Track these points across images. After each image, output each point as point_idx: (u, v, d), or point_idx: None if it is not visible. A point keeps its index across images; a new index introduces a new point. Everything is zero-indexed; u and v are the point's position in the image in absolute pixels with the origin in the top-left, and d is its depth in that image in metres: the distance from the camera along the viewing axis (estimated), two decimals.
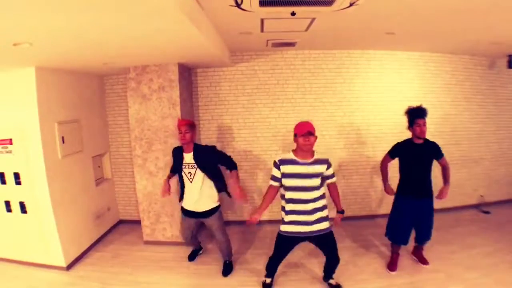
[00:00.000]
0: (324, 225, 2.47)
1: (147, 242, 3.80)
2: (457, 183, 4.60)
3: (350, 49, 4.15)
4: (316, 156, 2.41)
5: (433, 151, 2.89)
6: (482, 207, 4.57)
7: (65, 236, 3.24)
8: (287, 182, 2.40)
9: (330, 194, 2.59)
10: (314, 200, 2.40)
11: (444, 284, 2.79)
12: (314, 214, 2.41)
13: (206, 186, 2.87)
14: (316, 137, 2.36)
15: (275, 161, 2.43)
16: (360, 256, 3.30)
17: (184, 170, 2.87)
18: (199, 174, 2.83)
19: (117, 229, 4.34)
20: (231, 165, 2.94)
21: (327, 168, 2.45)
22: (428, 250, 3.39)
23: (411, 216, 2.89)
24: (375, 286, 2.83)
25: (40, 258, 3.25)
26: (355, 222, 4.32)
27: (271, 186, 2.46)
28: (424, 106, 2.86)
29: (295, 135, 2.38)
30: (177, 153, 2.94)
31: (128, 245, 3.82)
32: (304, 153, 2.37)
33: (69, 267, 3.27)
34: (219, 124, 4.26)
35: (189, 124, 2.82)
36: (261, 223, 4.31)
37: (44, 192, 3.06)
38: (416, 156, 2.83)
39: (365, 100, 4.28)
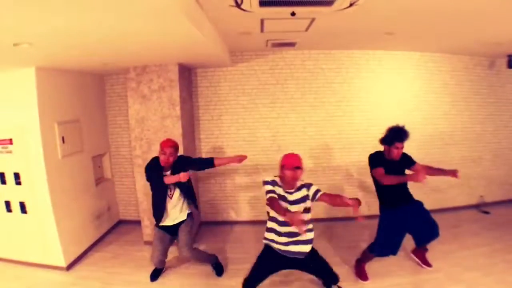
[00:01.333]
0: (306, 248, 2.33)
1: (147, 242, 3.79)
2: (457, 183, 4.60)
3: (350, 49, 4.15)
4: (298, 183, 2.40)
5: (406, 163, 2.81)
6: (482, 207, 4.57)
7: (65, 236, 3.24)
8: None
9: (331, 203, 2.36)
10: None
11: (444, 284, 2.80)
12: (295, 238, 2.29)
13: (182, 200, 2.88)
14: (302, 170, 2.33)
15: (265, 180, 2.39)
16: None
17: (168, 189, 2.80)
18: (177, 191, 2.83)
19: (117, 229, 4.34)
20: (208, 160, 2.94)
21: (308, 189, 2.38)
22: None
23: (403, 226, 2.77)
24: (374, 286, 2.84)
25: (40, 258, 3.25)
26: (355, 222, 4.32)
27: (272, 198, 2.28)
28: (406, 128, 2.68)
29: (282, 166, 2.36)
30: (156, 167, 2.76)
31: (128, 245, 3.82)
32: (289, 185, 2.36)
33: (69, 267, 3.27)
34: (219, 124, 4.27)
35: (174, 147, 2.76)
36: (261, 223, 4.30)
37: (44, 192, 3.06)
38: (392, 171, 2.69)
39: (365, 100, 4.28)
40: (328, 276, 2.51)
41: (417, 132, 4.40)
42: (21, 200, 3.15)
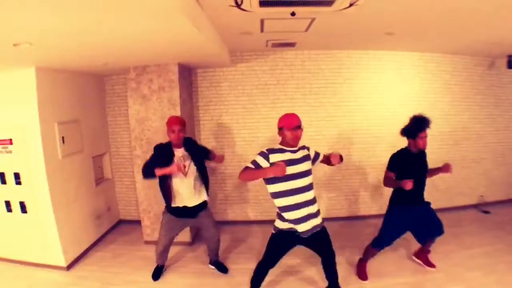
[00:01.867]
0: (319, 220, 2.33)
1: (147, 242, 3.79)
2: (457, 183, 4.61)
3: (350, 49, 4.15)
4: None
5: (425, 158, 2.80)
6: (482, 207, 4.57)
7: (65, 236, 3.25)
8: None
9: (329, 161, 2.33)
10: (309, 188, 2.26)
11: (444, 284, 2.79)
12: (314, 205, 2.28)
13: (198, 180, 2.80)
14: (302, 129, 2.32)
15: (262, 151, 2.29)
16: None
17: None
18: (193, 166, 2.75)
19: (117, 229, 4.34)
20: (208, 152, 2.99)
21: (309, 149, 2.42)
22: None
23: (408, 224, 2.77)
24: (374, 286, 2.84)
25: (40, 258, 3.25)
26: (355, 222, 4.33)
27: (249, 167, 2.26)
28: (427, 116, 2.62)
29: (281, 128, 2.28)
30: (164, 150, 2.72)
31: (128, 245, 3.83)
32: (291, 146, 2.31)
33: (69, 267, 3.27)
34: (219, 124, 4.27)
35: (182, 123, 2.73)
36: (261, 223, 4.31)
37: (44, 192, 3.06)
38: (414, 166, 2.70)
39: (365, 100, 4.28)
40: (328, 254, 2.43)
41: None
42: (21, 200, 3.16)
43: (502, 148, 4.71)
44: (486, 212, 4.45)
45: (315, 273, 3.04)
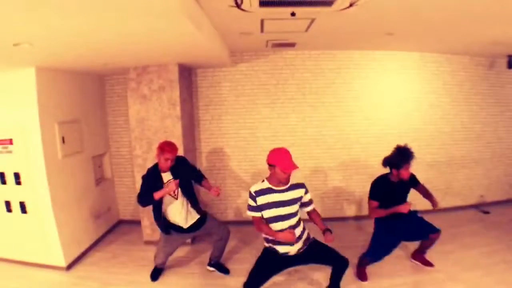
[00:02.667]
0: (306, 234, 2.42)
1: (147, 242, 3.79)
2: (457, 183, 4.61)
3: (350, 50, 4.15)
4: (291, 182, 2.31)
5: (411, 183, 2.84)
6: (482, 207, 4.57)
7: (65, 236, 3.24)
8: (265, 213, 2.27)
9: (313, 221, 2.40)
10: (294, 227, 2.29)
11: (444, 284, 2.79)
12: (296, 243, 2.30)
13: (186, 202, 2.84)
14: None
15: (250, 192, 2.30)
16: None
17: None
18: (179, 191, 2.77)
19: (117, 229, 4.34)
20: (200, 176, 3.00)
21: (305, 193, 2.35)
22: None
23: (398, 235, 2.83)
24: (374, 286, 2.84)
25: (40, 258, 3.25)
26: (354, 222, 4.33)
27: (254, 217, 2.31)
28: (409, 147, 2.69)
29: (272, 165, 2.20)
30: (153, 176, 2.72)
31: (128, 245, 3.82)
32: (281, 184, 2.27)
33: (69, 267, 3.27)
34: (219, 124, 4.27)
35: (176, 153, 2.71)
36: None
37: (44, 192, 3.06)
38: (397, 193, 2.78)
39: (365, 101, 4.28)
40: (337, 262, 2.40)
41: (417, 133, 4.41)
42: (21, 200, 3.15)
43: (502, 148, 4.71)
44: (486, 212, 4.45)
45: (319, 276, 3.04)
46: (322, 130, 4.28)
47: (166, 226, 2.82)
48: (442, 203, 4.56)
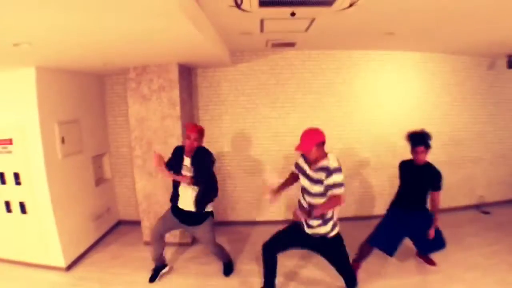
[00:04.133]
0: (324, 229, 2.33)
1: (147, 243, 3.78)
2: (457, 184, 4.60)
3: (350, 49, 4.15)
4: (323, 164, 2.26)
5: (431, 179, 2.76)
6: (482, 208, 4.57)
7: (65, 236, 3.24)
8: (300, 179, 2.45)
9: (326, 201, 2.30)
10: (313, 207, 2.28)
11: (444, 285, 2.80)
12: (314, 220, 2.30)
13: (195, 191, 2.80)
14: (313, 150, 2.26)
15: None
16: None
17: (182, 171, 2.79)
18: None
19: (116, 229, 4.33)
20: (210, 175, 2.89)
21: (326, 177, 2.22)
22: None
23: (404, 228, 2.82)
24: (374, 286, 2.83)
25: (39, 258, 3.25)
26: (355, 222, 4.32)
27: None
28: (425, 131, 2.72)
29: (320, 144, 2.33)
30: (178, 153, 2.87)
31: (128, 245, 3.82)
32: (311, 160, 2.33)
33: (69, 267, 3.26)
34: (219, 124, 4.26)
35: (199, 132, 2.80)
36: (261, 223, 4.31)
37: (44, 192, 3.06)
38: (413, 177, 2.81)
39: (365, 100, 4.28)
40: (345, 276, 2.46)
41: None
42: (21, 201, 3.15)
43: (502, 148, 4.71)
44: (486, 212, 4.45)
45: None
46: (322, 130, 4.27)
47: (172, 199, 2.91)
48: (442, 203, 4.55)
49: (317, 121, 4.25)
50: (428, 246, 2.90)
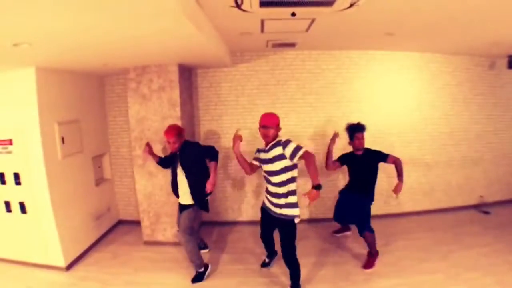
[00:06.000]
0: (287, 211, 2.53)
1: (147, 243, 3.79)
2: (457, 184, 4.61)
3: (350, 50, 4.15)
4: (275, 141, 2.53)
5: (374, 157, 3.22)
6: (482, 207, 4.57)
7: (65, 236, 3.24)
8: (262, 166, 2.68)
9: (307, 167, 2.36)
10: (278, 185, 2.51)
11: (444, 285, 2.79)
12: (279, 199, 2.54)
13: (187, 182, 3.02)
14: (273, 129, 2.53)
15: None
16: (359, 256, 3.30)
17: (178, 169, 3.03)
18: (181, 171, 2.99)
19: (117, 229, 4.34)
20: (212, 155, 3.07)
21: (283, 149, 2.41)
22: (428, 250, 3.40)
23: (344, 206, 3.40)
24: (374, 286, 2.84)
25: (39, 258, 3.25)
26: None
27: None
28: (362, 122, 3.23)
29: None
30: (172, 155, 3.10)
31: (128, 245, 3.82)
32: (265, 143, 2.61)
33: (69, 267, 3.27)
34: (219, 124, 4.26)
35: (176, 134, 2.90)
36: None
37: (44, 192, 3.06)
38: (357, 165, 3.29)
39: (365, 101, 4.28)
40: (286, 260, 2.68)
41: (417, 132, 4.41)
42: (21, 200, 3.15)
43: (502, 148, 4.72)
44: (486, 212, 4.45)
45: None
46: (322, 130, 4.28)
47: (174, 192, 3.16)
48: (442, 203, 4.58)
49: (317, 121, 4.26)
50: (358, 226, 3.19)
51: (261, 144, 4.31)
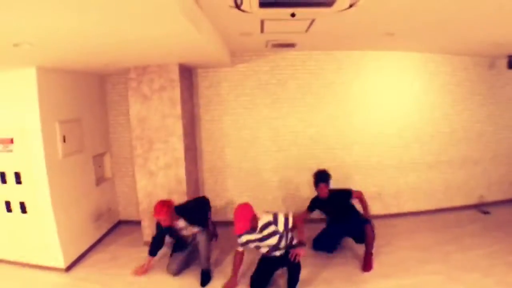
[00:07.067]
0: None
1: (147, 243, 3.78)
2: (457, 184, 4.61)
3: (350, 50, 4.15)
4: (262, 223, 2.68)
5: (340, 197, 3.34)
6: (482, 207, 4.57)
7: (65, 237, 3.24)
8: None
9: (297, 228, 2.75)
10: (286, 244, 2.75)
11: (444, 285, 2.80)
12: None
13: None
14: (246, 224, 2.61)
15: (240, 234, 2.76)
16: (360, 257, 3.30)
17: (183, 233, 3.08)
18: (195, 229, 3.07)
19: (117, 229, 4.34)
20: (203, 223, 3.11)
21: (276, 225, 2.67)
22: (428, 250, 3.40)
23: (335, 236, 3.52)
24: (375, 286, 2.84)
25: (39, 259, 3.25)
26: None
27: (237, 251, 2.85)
28: (326, 171, 3.35)
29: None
30: (164, 228, 2.99)
31: (128, 246, 3.82)
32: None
33: (69, 268, 3.26)
34: (219, 124, 4.27)
35: (167, 211, 2.86)
36: None
37: (44, 192, 3.06)
38: (329, 207, 3.39)
39: (365, 101, 4.29)
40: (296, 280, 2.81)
41: (417, 133, 4.41)
42: (21, 200, 3.16)
43: (502, 148, 4.71)
44: (486, 212, 4.45)
45: None
46: (322, 130, 4.28)
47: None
48: (442, 203, 4.58)
49: (317, 121, 4.27)
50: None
51: (261, 144, 4.37)
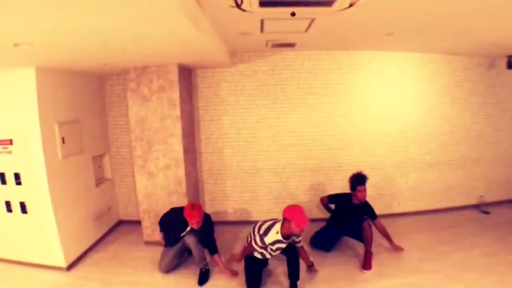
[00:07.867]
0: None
1: (148, 243, 3.80)
2: (457, 184, 4.61)
3: (350, 50, 4.15)
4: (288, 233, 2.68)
5: (368, 211, 3.27)
6: (481, 207, 4.57)
7: (66, 236, 3.24)
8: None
9: (300, 256, 2.89)
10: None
11: (443, 285, 2.80)
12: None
13: None
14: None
15: (262, 239, 2.68)
16: (360, 257, 3.30)
17: (183, 235, 3.11)
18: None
19: (117, 229, 4.34)
20: (211, 247, 3.07)
21: (297, 238, 2.81)
22: (428, 250, 3.40)
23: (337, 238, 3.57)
24: (374, 286, 2.84)
25: (40, 258, 3.25)
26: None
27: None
28: (364, 173, 3.25)
29: (289, 220, 2.55)
30: (178, 220, 3.02)
31: (128, 245, 3.82)
32: (288, 236, 2.68)
33: (69, 267, 3.27)
34: (219, 124, 4.27)
35: (200, 215, 2.91)
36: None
37: (44, 192, 3.06)
38: (350, 212, 3.28)
39: (365, 101, 4.28)
40: (296, 271, 2.85)
41: (417, 133, 4.41)
42: (21, 200, 3.16)
43: (502, 148, 4.71)
44: (486, 212, 4.45)
45: None
46: (322, 130, 4.28)
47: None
48: (442, 203, 4.58)
49: (317, 121, 4.27)
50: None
51: (260, 144, 4.37)
